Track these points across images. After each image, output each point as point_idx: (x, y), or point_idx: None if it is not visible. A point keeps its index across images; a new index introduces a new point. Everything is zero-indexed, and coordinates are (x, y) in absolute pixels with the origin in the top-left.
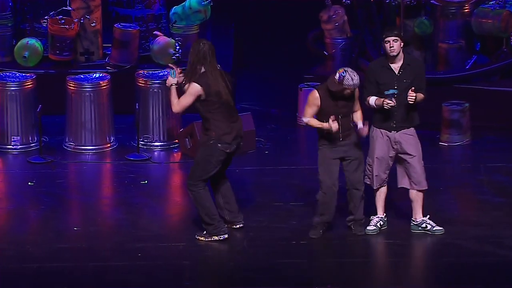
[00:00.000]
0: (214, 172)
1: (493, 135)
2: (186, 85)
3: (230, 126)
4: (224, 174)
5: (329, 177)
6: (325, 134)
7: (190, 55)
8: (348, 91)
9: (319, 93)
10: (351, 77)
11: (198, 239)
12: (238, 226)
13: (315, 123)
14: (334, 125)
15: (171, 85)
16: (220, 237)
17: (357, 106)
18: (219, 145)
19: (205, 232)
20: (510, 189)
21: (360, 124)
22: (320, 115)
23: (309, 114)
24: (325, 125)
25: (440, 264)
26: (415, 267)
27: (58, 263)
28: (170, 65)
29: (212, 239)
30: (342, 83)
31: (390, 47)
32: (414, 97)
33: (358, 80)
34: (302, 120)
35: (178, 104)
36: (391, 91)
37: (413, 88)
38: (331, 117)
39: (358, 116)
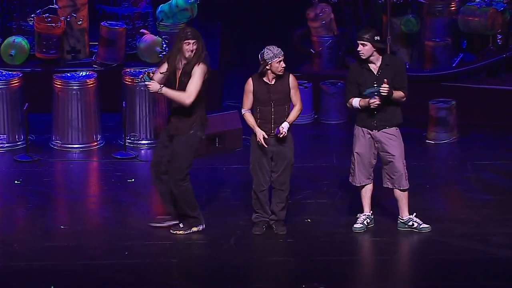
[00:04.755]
0: None
1: (479, 132)
2: (191, 68)
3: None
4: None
5: (259, 174)
6: (259, 124)
7: (199, 39)
8: (279, 60)
9: (252, 80)
10: (269, 50)
11: (176, 233)
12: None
13: (250, 121)
14: (261, 138)
15: (159, 89)
16: (199, 228)
17: (296, 99)
18: (198, 133)
19: (182, 225)
20: (497, 187)
21: (283, 124)
22: (254, 102)
23: (246, 104)
24: (257, 129)
25: (427, 262)
26: (402, 265)
27: (45, 262)
28: (145, 72)
29: (191, 231)
30: (264, 60)
31: (358, 50)
32: (387, 89)
33: (274, 48)
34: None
35: (191, 93)
36: (369, 91)
37: (386, 80)
38: (264, 137)
39: (291, 114)
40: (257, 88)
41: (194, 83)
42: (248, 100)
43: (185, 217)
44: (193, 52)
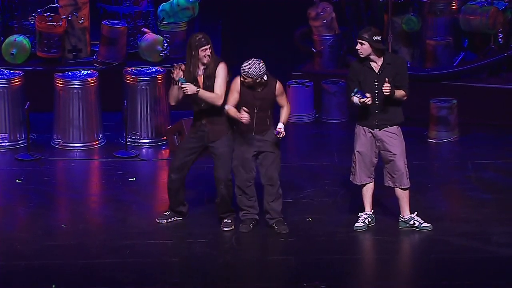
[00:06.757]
0: None
1: (481, 131)
2: (214, 70)
3: None
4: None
5: (242, 171)
6: (240, 126)
7: (211, 43)
8: (249, 80)
9: (241, 79)
10: (249, 65)
11: (224, 230)
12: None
13: (232, 112)
14: (244, 116)
15: (197, 91)
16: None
17: (282, 101)
18: (230, 131)
19: (230, 220)
20: (498, 186)
21: (279, 125)
22: (239, 102)
23: (231, 101)
24: (238, 114)
25: (428, 261)
26: (403, 263)
27: (46, 261)
28: (175, 70)
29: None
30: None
31: (357, 48)
32: (389, 88)
33: (257, 70)
34: (225, 108)
35: (222, 93)
36: (353, 93)
37: (386, 79)
38: (244, 108)
39: (282, 116)
40: (243, 90)
41: (221, 83)
42: (233, 98)
43: (226, 216)
44: (209, 56)
